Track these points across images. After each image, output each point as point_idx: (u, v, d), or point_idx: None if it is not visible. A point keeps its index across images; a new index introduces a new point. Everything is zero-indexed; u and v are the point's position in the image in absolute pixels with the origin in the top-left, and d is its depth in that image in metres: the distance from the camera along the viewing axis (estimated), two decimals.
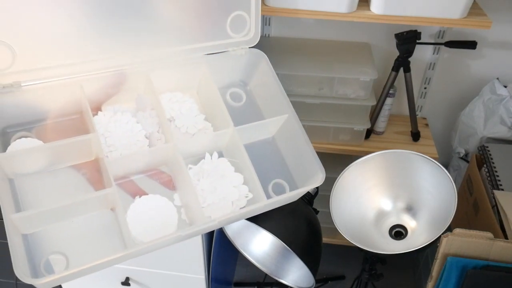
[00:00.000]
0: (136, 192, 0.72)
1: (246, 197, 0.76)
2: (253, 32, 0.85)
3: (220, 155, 0.81)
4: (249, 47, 0.86)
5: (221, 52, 0.84)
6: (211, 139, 0.78)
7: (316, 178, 0.74)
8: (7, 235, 0.58)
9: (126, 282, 1.33)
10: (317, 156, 0.76)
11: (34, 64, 0.68)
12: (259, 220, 0.88)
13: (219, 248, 1.29)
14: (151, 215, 0.69)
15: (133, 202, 0.70)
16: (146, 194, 0.72)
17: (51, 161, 0.70)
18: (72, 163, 0.72)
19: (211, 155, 0.78)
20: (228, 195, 0.74)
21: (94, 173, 0.72)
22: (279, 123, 0.83)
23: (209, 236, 1.23)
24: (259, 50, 0.86)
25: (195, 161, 0.78)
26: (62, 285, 1.41)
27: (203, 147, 0.78)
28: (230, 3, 0.79)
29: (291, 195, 0.74)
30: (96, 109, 0.76)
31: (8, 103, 0.69)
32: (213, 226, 0.68)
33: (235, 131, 0.76)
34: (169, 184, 0.75)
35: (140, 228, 0.68)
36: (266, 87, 0.86)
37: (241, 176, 0.77)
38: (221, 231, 1.18)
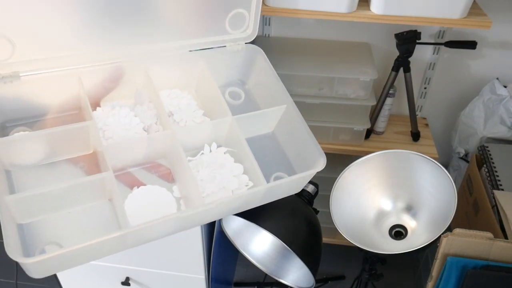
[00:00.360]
0: (134, 183, 0.72)
1: (246, 185, 0.75)
2: (251, 29, 0.85)
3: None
4: (246, 43, 0.86)
5: (218, 48, 0.84)
6: (210, 130, 0.77)
7: (317, 164, 0.73)
8: (0, 217, 0.56)
9: (126, 282, 1.33)
10: (317, 143, 0.76)
11: (33, 56, 0.68)
12: (259, 220, 0.88)
13: (219, 248, 1.29)
14: (149, 206, 0.68)
15: (131, 192, 0.69)
16: (144, 185, 0.72)
17: (48, 151, 0.69)
18: (70, 156, 0.72)
19: (210, 146, 0.78)
20: (228, 184, 0.73)
21: (93, 167, 0.71)
22: (279, 114, 0.83)
23: (209, 236, 1.23)
24: (255, 46, 0.86)
25: (194, 154, 0.78)
26: (62, 285, 1.41)
27: (201, 139, 0.78)
28: (231, 0, 0.79)
29: (293, 179, 0.72)
30: (95, 105, 0.76)
31: (7, 95, 0.68)
32: (212, 209, 0.66)
33: (234, 120, 0.76)
34: (167, 177, 0.75)
35: (138, 218, 0.66)
36: (265, 84, 0.86)
37: (241, 166, 0.76)
38: (221, 231, 1.18)
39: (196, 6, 0.77)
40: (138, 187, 0.70)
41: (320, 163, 0.73)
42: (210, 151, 0.78)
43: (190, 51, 0.82)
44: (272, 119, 0.84)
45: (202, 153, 0.77)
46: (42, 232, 0.64)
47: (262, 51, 0.86)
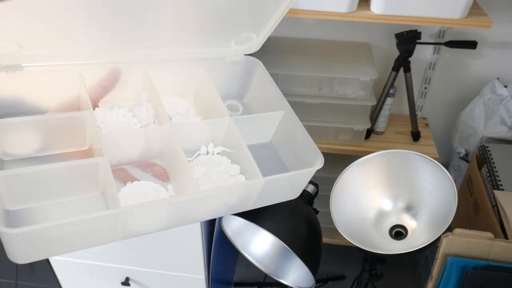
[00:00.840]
0: (128, 179, 0.71)
1: None
2: (255, 47, 0.85)
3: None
4: (245, 54, 0.86)
5: (217, 58, 0.84)
6: (208, 132, 0.77)
7: (315, 162, 0.73)
8: None
9: (126, 282, 1.34)
10: (316, 146, 0.76)
11: (37, 52, 0.68)
12: (259, 220, 0.88)
13: (219, 248, 1.29)
14: (142, 202, 0.68)
15: (124, 186, 0.69)
16: (138, 181, 0.71)
17: (42, 142, 0.68)
18: (65, 150, 0.71)
19: (206, 147, 0.78)
20: (225, 183, 0.73)
21: None
22: (276, 120, 0.82)
23: (209, 236, 1.23)
24: (254, 58, 0.87)
25: (190, 157, 0.78)
26: (62, 285, 1.41)
27: (199, 140, 0.78)
28: (242, 25, 0.79)
29: (290, 175, 0.72)
30: (94, 106, 0.76)
31: (8, 87, 0.68)
32: (206, 199, 0.64)
33: (231, 121, 0.76)
34: (163, 176, 0.74)
35: None
36: (263, 97, 0.86)
37: (238, 167, 0.76)
38: (221, 231, 1.18)
39: (206, 23, 0.76)
40: (132, 182, 0.69)
41: (318, 162, 0.72)
42: (207, 152, 0.78)
43: (190, 59, 0.82)
44: (270, 125, 0.84)
45: (199, 154, 0.77)
46: (29, 221, 0.62)
47: (261, 63, 0.86)
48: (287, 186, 0.77)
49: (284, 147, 0.84)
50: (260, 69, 0.86)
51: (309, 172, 0.73)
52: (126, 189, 0.68)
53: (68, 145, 0.71)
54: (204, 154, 0.77)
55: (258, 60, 0.87)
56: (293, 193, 0.80)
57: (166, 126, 0.71)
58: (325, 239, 1.09)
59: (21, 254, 0.56)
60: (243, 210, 0.76)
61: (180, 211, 0.66)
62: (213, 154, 0.78)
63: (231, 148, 0.77)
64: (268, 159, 0.85)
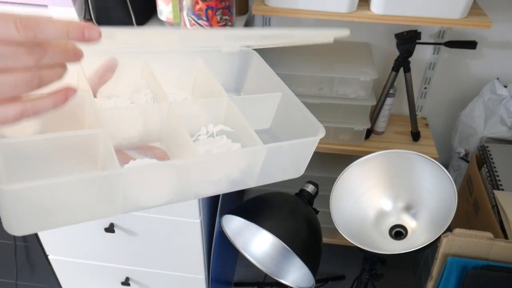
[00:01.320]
0: (128, 160, 0.71)
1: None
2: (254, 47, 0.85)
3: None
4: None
5: (212, 50, 0.84)
6: (207, 113, 0.77)
7: (317, 133, 0.73)
8: None
9: (126, 282, 1.34)
10: (315, 119, 0.75)
11: None
12: (259, 220, 0.88)
13: (219, 248, 1.29)
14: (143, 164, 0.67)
15: (127, 164, 0.68)
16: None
17: (40, 125, 0.68)
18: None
19: (206, 127, 0.78)
20: None
21: None
22: (275, 103, 0.82)
23: (209, 236, 1.23)
24: (250, 49, 0.87)
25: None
26: (62, 285, 1.41)
27: (198, 123, 0.78)
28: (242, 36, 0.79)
29: (295, 143, 0.71)
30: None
31: None
32: (209, 164, 0.65)
33: (230, 101, 0.76)
34: (163, 158, 0.75)
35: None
36: (260, 89, 0.86)
37: (239, 144, 0.76)
38: (221, 231, 1.18)
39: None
40: (135, 160, 0.69)
41: (320, 132, 0.72)
42: (207, 132, 0.78)
43: (186, 52, 0.82)
44: (269, 109, 0.84)
45: (199, 135, 0.77)
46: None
47: (257, 53, 0.86)
48: (290, 160, 0.77)
49: (285, 131, 0.84)
50: (256, 58, 0.86)
51: (312, 142, 0.72)
52: (128, 166, 0.67)
53: (67, 129, 0.71)
54: (204, 135, 0.78)
55: (253, 51, 0.87)
56: (296, 170, 0.79)
57: (166, 104, 0.71)
58: (325, 239, 1.09)
59: (17, 222, 0.54)
60: (246, 187, 0.75)
61: (182, 181, 0.66)
62: (214, 136, 0.79)
63: (232, 127, 0.78)
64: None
